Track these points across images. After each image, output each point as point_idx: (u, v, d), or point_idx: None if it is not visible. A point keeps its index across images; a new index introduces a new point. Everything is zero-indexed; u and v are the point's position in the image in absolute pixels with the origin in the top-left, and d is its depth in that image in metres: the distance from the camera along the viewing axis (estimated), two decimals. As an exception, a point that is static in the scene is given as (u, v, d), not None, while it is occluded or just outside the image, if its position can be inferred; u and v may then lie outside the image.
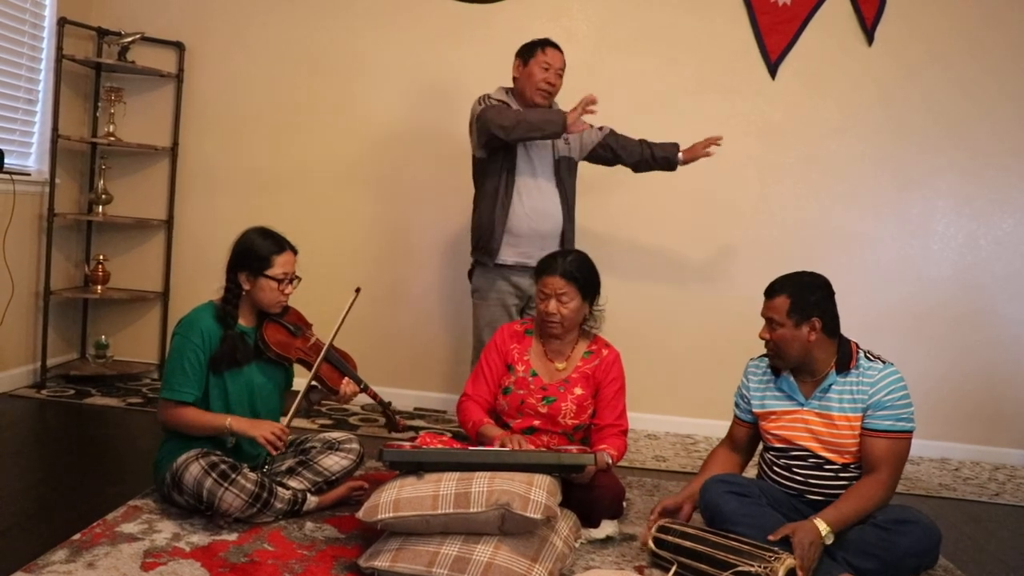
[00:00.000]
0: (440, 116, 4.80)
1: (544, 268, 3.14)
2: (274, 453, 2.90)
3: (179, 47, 4.86)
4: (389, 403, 3.34)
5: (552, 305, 3.10)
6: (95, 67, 4.85)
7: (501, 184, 3.73)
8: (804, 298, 2.80)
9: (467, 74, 4.74)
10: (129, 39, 4.70)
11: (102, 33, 4.79)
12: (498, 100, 3.77)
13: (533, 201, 3.76)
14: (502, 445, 2.90)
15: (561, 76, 3.78)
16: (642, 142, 3.99)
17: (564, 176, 3.85)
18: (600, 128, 3.96)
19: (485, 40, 4.75)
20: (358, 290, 3.16)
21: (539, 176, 3.78)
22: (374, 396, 3.22)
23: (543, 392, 3.18)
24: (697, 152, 3.96)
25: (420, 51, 4.80)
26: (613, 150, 3.97)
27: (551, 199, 3.80)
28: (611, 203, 4.67)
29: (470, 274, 3.93)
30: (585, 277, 3.14)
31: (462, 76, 4.75)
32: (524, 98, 3.80)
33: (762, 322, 2.89)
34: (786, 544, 2.59)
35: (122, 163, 4.93)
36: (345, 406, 4.43)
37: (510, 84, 3.89)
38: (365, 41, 4.82)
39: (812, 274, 2.90)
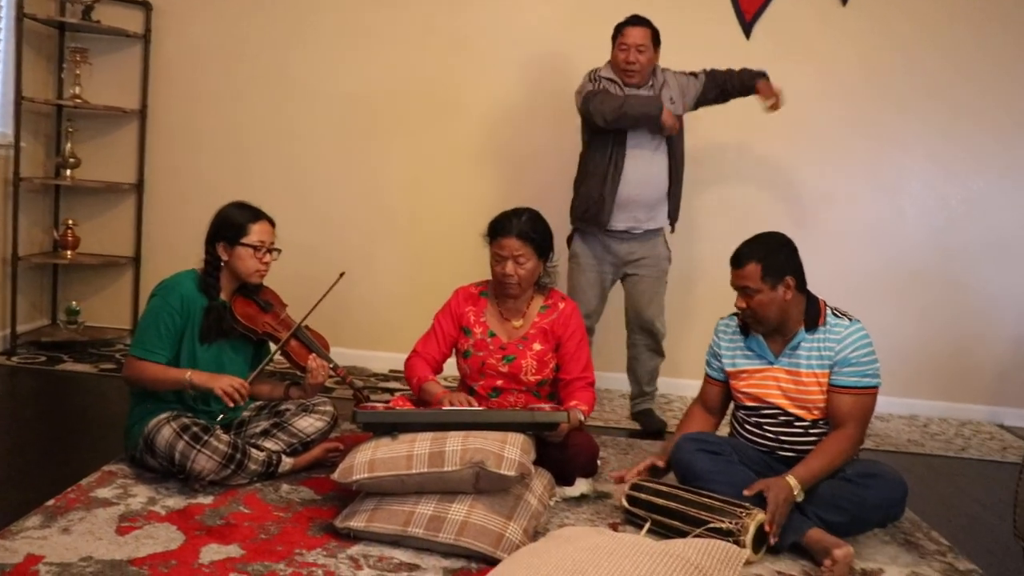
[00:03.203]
0: (416, 75, 4.77)
1: (499, 229, 3.12)
2: (231, 405, 2.88)
3: (146, 6, 4.76)
4: (362, 388, 3.31)
5: (509, 267, 3.09)
6: (58, 27, 4.76)
7: (610, 158, 3.84)
8: (775, 259, 2.81)
9: (448, 34, 4.74)
10: (93, -2, 4.61)
11: (65, -9, 4.70)
12: (606, 77, 3.87)
13: (640, 172, 3.85)
14: (448, 403, 2.91)
15: (642, 50, 3.81)
16: (730, 72, 4.00)
17: (673, 136, 3.90)
18: (697, 76, 3.99)
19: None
20: (342, 274, 3.15)
21: (647, 143, 3.86)
22: (344, 377, 3.20)
23: (502, 351, 3.18)
24: (768, 95, 3.93)
25: (398, 10, 4.74)
26: (719, 88, 3.99)
27: (659, 165, 3.90)
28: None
29: (569, 239, 4.05)
30: (540, 236, 3.13)
31: (442, 35, 4.74)
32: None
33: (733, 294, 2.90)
34: (758, 499, 2.64)
35: (89, 126, 4.86)
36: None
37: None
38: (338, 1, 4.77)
39: (773, 234, 2.91)
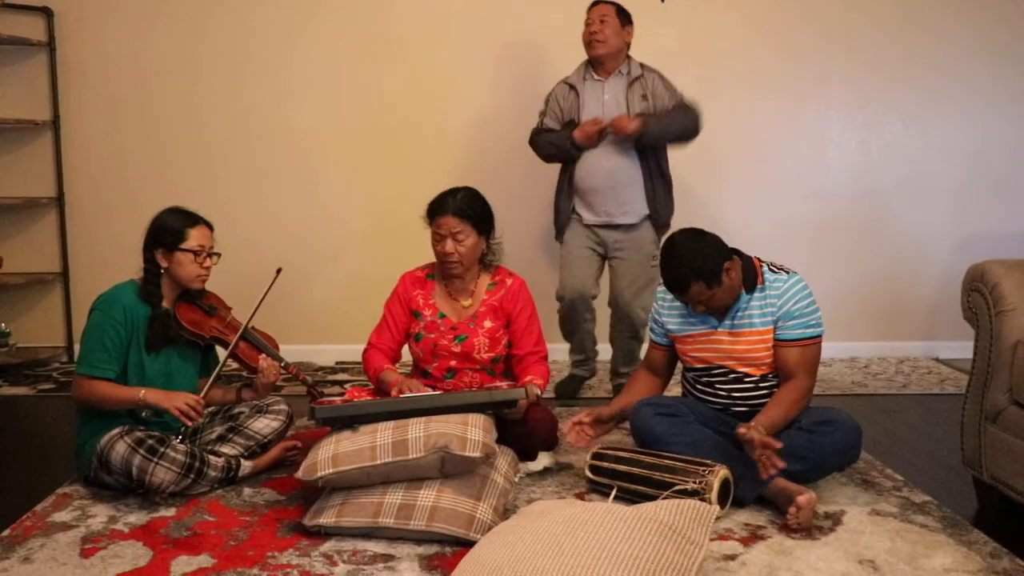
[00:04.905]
0: (347, 70, 4.73)
1: (436, 209, 3.11)
2: (189, 424, 2.83)
3: (47, 13, 4.61)
4: (313, 384, 3.29)
5: (449, 245, 3.08)
6: (-45, 40, 4.58)
7: (567, 171, 3.95)
8: (707, 265, 2.76)
9: (356, 26, 4.70)
10: (-11, 7, 4.45)
11: (-43, 2, 4.51)
12: (568, 83, 3.94)
13: (588, 166, 3.86)
14: (399, 392, 2.91)
15: (605, 19, 3.85)
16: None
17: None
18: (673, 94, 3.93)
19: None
20: (279, 271, 3.11)
21: (606, 146, 3.84)
22: (296, 374, 3.17)
23: (453, 332, 3.18)
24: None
25: (303, 7, 4.66)
26: None
27: (611, 157, 3.83)
28: (516, 137, 4.63)
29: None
30: (478, 213, 3.12)
31: (355, 25, 4.69)
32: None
33: None
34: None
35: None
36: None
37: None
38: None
39: (685, 239, 2.82)
